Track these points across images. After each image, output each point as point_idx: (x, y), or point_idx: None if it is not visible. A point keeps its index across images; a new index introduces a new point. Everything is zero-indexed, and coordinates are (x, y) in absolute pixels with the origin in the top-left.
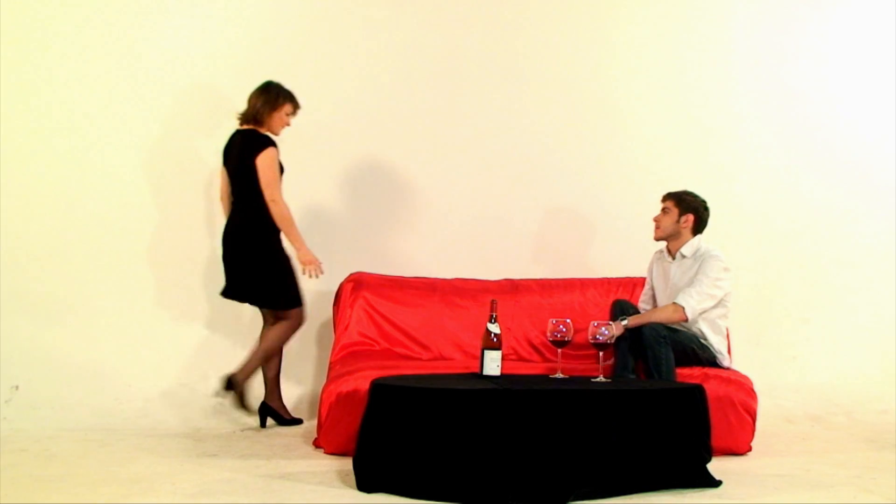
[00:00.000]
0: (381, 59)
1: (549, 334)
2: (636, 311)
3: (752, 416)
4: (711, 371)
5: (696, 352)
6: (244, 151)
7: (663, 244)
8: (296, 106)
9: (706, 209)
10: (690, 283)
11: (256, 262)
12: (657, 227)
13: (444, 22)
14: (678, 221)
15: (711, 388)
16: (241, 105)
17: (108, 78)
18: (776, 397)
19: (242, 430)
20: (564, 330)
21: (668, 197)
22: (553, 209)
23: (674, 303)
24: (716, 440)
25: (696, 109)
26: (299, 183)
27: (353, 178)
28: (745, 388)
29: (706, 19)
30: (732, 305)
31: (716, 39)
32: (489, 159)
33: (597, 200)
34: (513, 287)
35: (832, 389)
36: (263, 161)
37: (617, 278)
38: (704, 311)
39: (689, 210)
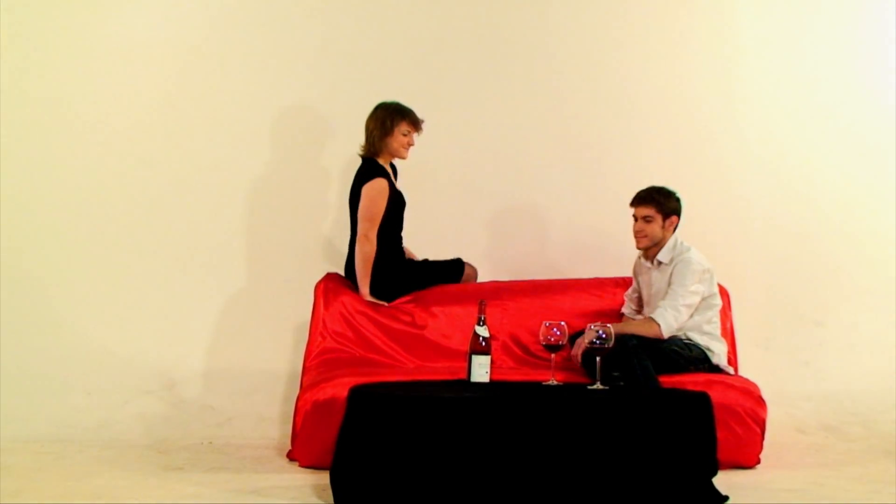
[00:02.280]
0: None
1: (541, 338)
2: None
3: (761, 426)
4: (716, 377)
5: (680, 352)
6: (355, 180)
7: None
8: (414, 122)
9: (680, 201)
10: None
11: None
12: (643, 237)
13: (443, 22)
14: (663, 227)
15: (716, 396)
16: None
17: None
18: (787, 406)
19: (211, 442)
20: (559, 333)
21: (645, 203)
22: (543, 206)
23: (649, 317)
24: (722, 452)
25: (700, 100)
26: (276, 177)
27: (333, 172)
28: (753, 396)
29: (714, 9)
30: (739, 307)
31: (722, 30)
32: (473, 155)
33: (591, 198)
34: (500, 289)
35: (848, 397)
36: (367, 192)
37: (613, 278)
38: (682, 325)
39: (672, 212)
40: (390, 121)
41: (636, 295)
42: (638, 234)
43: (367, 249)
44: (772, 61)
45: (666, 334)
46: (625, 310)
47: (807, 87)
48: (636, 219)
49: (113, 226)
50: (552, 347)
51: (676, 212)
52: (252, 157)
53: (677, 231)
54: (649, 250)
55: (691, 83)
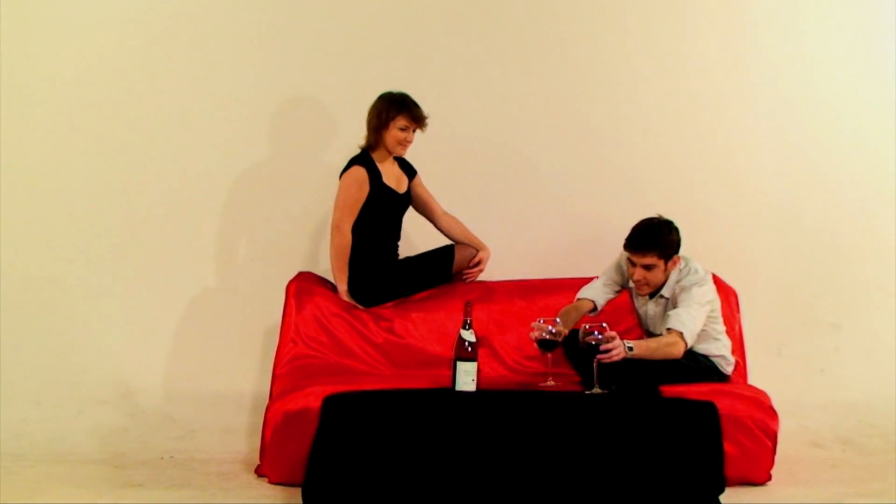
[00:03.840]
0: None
1: (535, 335)
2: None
3: (773, 438)
4: (723, 386)
5: (687, 363)
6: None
7: None
8: (415, 118)
9: (679, 231)
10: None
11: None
12: (645, 285)
13: (452, 12)
14: (666, 269)
15: (724, 406)
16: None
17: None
18: (801, 417)
19: (172, 456)
20: (553, 331)
21: (645, 251)
22: (539, 202)
23: (668, 329)
24: (729, 467)
25: (707, 83)
26: (245, 171)
27: (308, 164)
28: (763, 406)
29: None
30: (748, 309)
31: (733, 12)
32: (467, 149)
33: (590, 193)
34: (489, 290)
35: (867, 408)
36: (342, 180)
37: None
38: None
39: (675, 252)
40: (386, 113)
41: (614, 287)
42: (639, 283)
43: (337, 241)
44: (786, 42)
45: (690, 342)
46: (585, 293)
47: (826, 67)
48: (634, 264)
49: (63, 221)
50: (546, 345)
51: (678, 248)
52: (214, 148)
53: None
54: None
55: (698, 66)
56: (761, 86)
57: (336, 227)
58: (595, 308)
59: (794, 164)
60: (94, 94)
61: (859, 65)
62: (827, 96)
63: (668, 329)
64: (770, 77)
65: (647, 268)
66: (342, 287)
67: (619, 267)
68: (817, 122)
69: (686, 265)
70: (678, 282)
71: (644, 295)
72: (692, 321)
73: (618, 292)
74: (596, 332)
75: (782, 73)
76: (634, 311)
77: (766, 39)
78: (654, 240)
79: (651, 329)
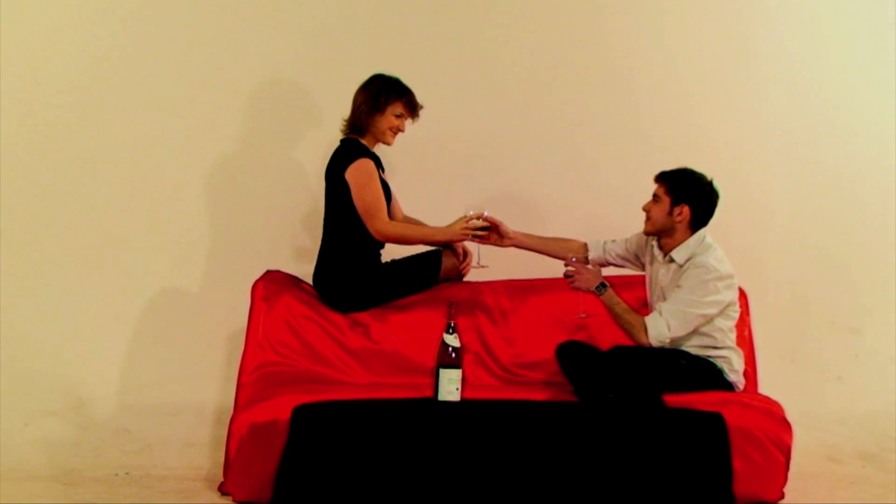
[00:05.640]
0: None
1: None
2: (588, 348)
3: (786, 453)
4: (731, 395)
5: (689, 368)
6: (332, 166)
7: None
8: (411, 106)
9: (709, 196)
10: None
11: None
12: (647, 219)
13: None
14: (670, 214)
15: (732, 418)
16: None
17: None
18: (816, 429)
19: (127, 472)
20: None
21: (660, 179)
22: (535, 198)
23: (644, 319)
24: (739, 485)
25: (714, 72)
26: (212, 161)
27: (278, 155)
28: (775, 418)
29: None
30: (759, 312)
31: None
32: (459, 143)
33: (589, 188)
34: (474, 291)
35: (888, 419)
36: (355, 178)
37: (606, 277)
38: (678, 337)
39: (683, 199)
40: (385, 97)
41: (619, 250)
42: (646, 215)
43: (395, 230)
44: (797, 40)
45: (655, 344)
46: (592, 248)
47: (842, 54)
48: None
49: (6, 215)
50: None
51: (692, 200)
52: (174, 137)
53: (703, 231)
54: (664, 240)
55: (705, 64)
56: (772, 80)
57: (381, 228)
58: (587, 254)
59: (808, 157)
60: (38, 76)
61: (874, 59)
62: (843, 88)
63: (652, 314)
64: (781, 72)
65: (654, 198)
66: (448, 229)
67: (638, 237)
68: (830, 117)
69: (710, 248)
70: (692, 257)
71: (647, 236)
72: (673, 320)
73: (621, 258)
74: (573, 258)
75: (794, 68)
76: (647, 281)
77: (777, 37)
78: (673, 174)
79: (652, 301)
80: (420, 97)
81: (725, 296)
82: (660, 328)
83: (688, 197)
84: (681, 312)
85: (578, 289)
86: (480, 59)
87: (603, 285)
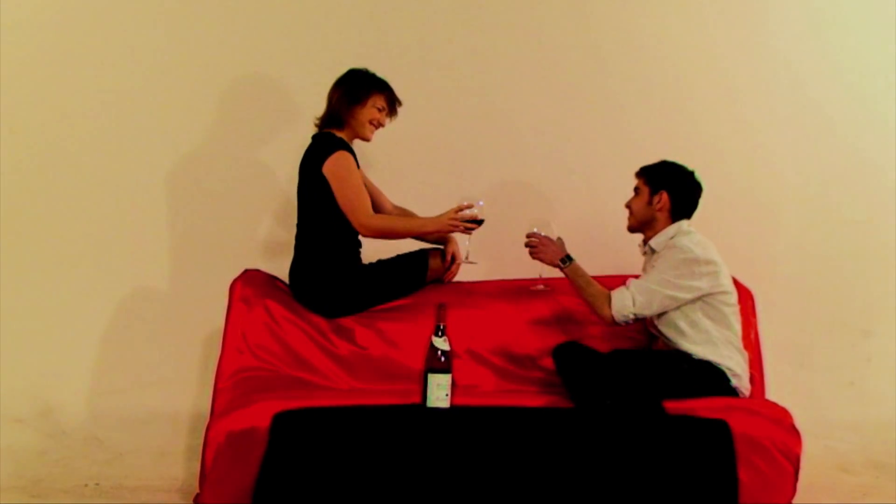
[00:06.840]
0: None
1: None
2: (586, 350)
3: (795, 462)
4: (736, 401)
5: (689, 372)
6: (306, 161)
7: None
8: (392, 101)
9: (688, 184)
10: None
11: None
12: (629, 215)
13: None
14: (650, 203)
15: (737, 425)
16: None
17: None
18: (827, 437)
19: (98, 483)
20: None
21: (639, 173)
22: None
23: (610, 292)
24: (745, 495)
25: (717, 59)
26: (188, 158)
27: (254, 150)
28: (783, 425)
29: None
30: (766, 313)
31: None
32: (450, 142)
33: (587, 185)
34: (465, 292)
35: None
36: (334, 171)
37: (604, 276)
38: (643, 317)
39: (661, 186)
40: (366, 90)
41: None
42: (628, 210)
43: (382, 224)
44: (807, 34)
45: (617, 319)
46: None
47: (851, 40)
48: None
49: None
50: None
51: (670, 186)
52: (144, 132)
53: (684, 221)
54: (646, 235)
55: (713, 58)
56: (779, 80)
57: (366, 221)
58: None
59: (818, 151)
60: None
61: (887, 53)
62: (854, 81)
63: (619, 287)
64: (788, 72)
65: (635, 191)
66: (440, 219)
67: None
68: (841, 105)
69: (689, 233)
70: (670, 238)
71: (633, 231)
72: (640, 296)
73: None
74: (536, 229)
75: (800, 68)
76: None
77: (787, 31)
78: (651, 166)
79: None
80: (407, 94)
81: (702, 283)
82: (624, 300)
83: (665, 183)
84: (648, 289)
85: (542, 261)
86: (468, 56)
87: (569, 257)
